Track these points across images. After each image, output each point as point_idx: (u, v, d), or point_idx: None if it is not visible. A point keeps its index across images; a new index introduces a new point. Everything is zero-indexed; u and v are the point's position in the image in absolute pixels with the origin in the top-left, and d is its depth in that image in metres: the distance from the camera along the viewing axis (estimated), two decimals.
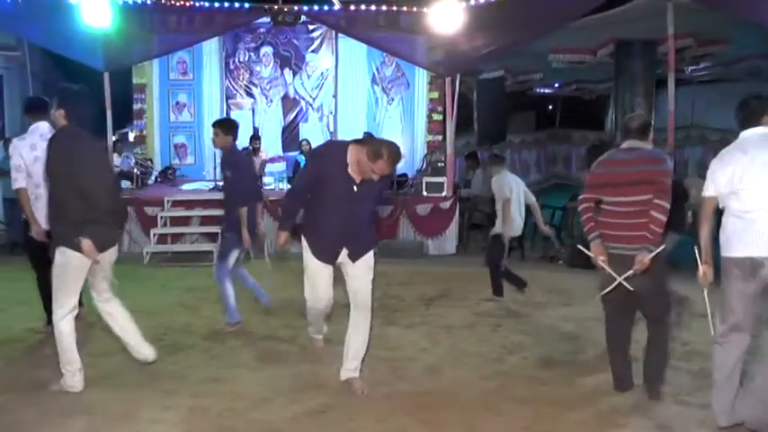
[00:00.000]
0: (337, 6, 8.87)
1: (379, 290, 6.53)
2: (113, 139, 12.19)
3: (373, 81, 11.36)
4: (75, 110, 3.77)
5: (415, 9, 8.58)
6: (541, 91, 14.79)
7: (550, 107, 16.71)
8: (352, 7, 8.78)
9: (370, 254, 3.91)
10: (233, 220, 5.00)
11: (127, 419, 3.50)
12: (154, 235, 8.46)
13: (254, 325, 5.29)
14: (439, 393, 3.88)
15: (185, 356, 4.57)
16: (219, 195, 9.08)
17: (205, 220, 8.86)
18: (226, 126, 5.11)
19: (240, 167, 5.16)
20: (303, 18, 9.38)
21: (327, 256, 3.86)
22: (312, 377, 4.08)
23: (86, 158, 3.70)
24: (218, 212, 8.76)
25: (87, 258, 3.70)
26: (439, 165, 9.25)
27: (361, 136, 10.58)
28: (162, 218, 8.68)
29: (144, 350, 4.11)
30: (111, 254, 3.92)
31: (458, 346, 4.85)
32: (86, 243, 3.63)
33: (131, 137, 12.21)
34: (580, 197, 3.89)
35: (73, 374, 3.81)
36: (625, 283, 3.59)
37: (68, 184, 3.63)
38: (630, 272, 3.57)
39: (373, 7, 8.62)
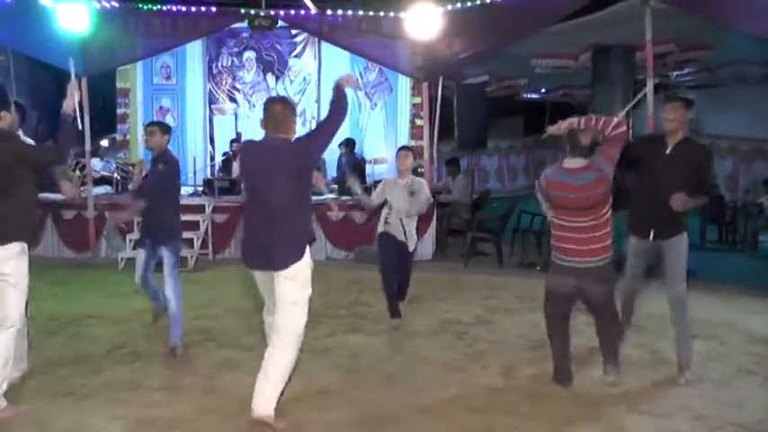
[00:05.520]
0: (313, 11, 8.81)
1: (350, 296, 6.51)
2: (103, 143, 12.20)
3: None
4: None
5: (392, 14, 8.54)
6: (529, 96, 14.77)
7: (539, 112, 16.68)
8: (329, 12, 8.72)
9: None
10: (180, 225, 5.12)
11: (74, 431, 3.45)
12: (130, 240, 8.39)
13: (220, 331, 5.25)
14: (392, 403, 3.82)
15: (144, 365, 4.51)
16: (198, 200, 9.12)
17: (184, 226, 8.76)
18: (164, 126, 5.07)
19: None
20: (281, 23, 9.29)
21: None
22: None
23: None
24: (197, 218, 8.77)
25: None
26: (420, 170, 9.17)
27: (342, 141, 10.60)
28: (139, 223, 8.59)
29: None
30: None
31: (419, 353, 4.79)
32: None
33: (116, 141, 12.15)
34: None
35: None
36: None
37: None
38: None
39: (350, 12, 8.56)
